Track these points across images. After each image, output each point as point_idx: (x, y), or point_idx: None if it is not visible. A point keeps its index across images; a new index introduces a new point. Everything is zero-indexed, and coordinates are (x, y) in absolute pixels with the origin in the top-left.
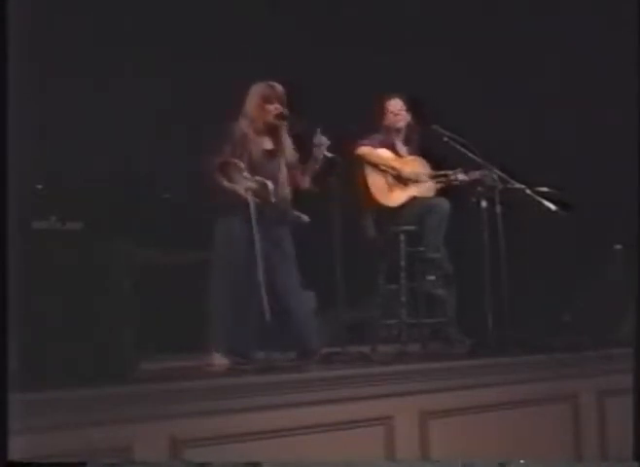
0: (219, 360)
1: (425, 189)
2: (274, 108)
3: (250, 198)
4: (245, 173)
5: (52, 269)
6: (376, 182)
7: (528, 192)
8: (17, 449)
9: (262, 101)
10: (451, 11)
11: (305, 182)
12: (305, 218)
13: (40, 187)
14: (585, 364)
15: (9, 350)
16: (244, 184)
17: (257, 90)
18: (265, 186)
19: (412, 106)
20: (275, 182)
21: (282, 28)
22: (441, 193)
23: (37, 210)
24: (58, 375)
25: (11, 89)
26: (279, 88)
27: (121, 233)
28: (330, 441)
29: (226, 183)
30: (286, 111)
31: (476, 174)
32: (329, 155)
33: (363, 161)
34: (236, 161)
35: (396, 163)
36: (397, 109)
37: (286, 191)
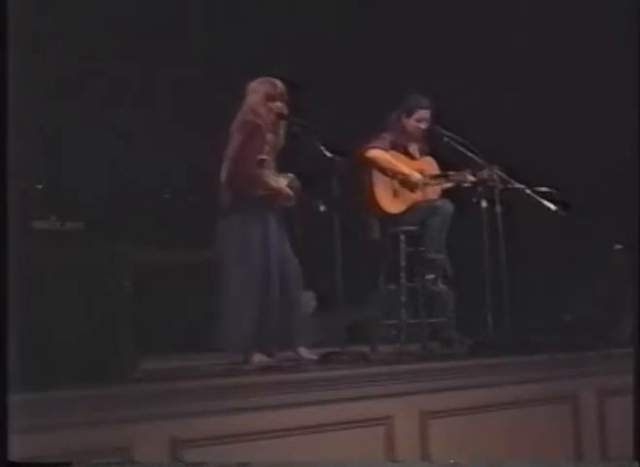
0: (258, 358)
1: (431, 191)
2: (276, 106)
3: (290, 193)
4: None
5: (52, 269)
6: (382, 187)
7: (528, 192)
8: (17, 449)
9: (265, 99)
10: (451, 11)
11: None
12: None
13: (40, 187)
14: (585, 364)
15: (9, 350)
16: (276, 180)
17: (260, 88)
18: (293, 181)
19: (434, 114)
20: None
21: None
22: (443, 193)
23: (37, 210)
24: (58, 375)
25: (11, 88)
26: (281, 85)
27: (121, 233)
28: (330, 441)
29: (267, 179)
30: (286, 109)
31: (484, 174)
32: (329, 155)
33: (371, 165)
34: (266, 157)
35: (406, 168)
36: (425, 118)
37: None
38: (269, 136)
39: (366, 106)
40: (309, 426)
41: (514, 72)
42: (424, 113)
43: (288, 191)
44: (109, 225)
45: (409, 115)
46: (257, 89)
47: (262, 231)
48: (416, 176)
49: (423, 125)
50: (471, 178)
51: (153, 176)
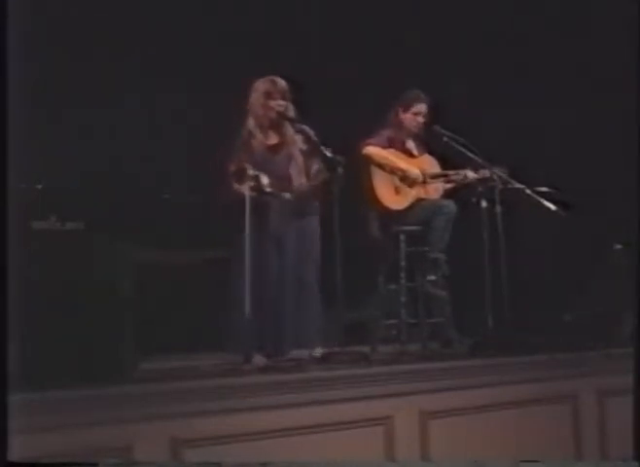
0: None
1: (432, 189)
2: (277, 104)
3: (246, 193)
4: (250, 172)
5: (52, 269)
6: (382, 184)
7: (528, 192)
8: (17, 449)
9: (264, 97)
10: (451, 11)
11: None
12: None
13: (40, 187)
14: (585, 364)
15: (9, 350)
16: (248, 182)
17: (259, 87)
18: (257, 179)
19: (431, 108)
20: (285, 176)
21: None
22: (446, 192)
23: (37, 210)
24: (58, 375)
25: (11, 88)
26: (282, 82)
27: (121, 232)
28: (330, 441)
29: (236, 186)
30: (288, 106)
31: (485, 172)
32: (329, 154)
33: (369, 162)
34: (245, 164)
35: (404, 164)
36: (422, 112)
37: (301, 182)
38: (258, 135)
39: (366, 106)
40: (309, 426)
41: (514, 72)
42: (421, 106)
43: (248, 194)
44: (109, 225)
45: (407, 109)
46: (257, 88)
47: (257, 232)
48: (415, 172)
49: (421, 119)
50: (472, 175)
51: (153, 176)
